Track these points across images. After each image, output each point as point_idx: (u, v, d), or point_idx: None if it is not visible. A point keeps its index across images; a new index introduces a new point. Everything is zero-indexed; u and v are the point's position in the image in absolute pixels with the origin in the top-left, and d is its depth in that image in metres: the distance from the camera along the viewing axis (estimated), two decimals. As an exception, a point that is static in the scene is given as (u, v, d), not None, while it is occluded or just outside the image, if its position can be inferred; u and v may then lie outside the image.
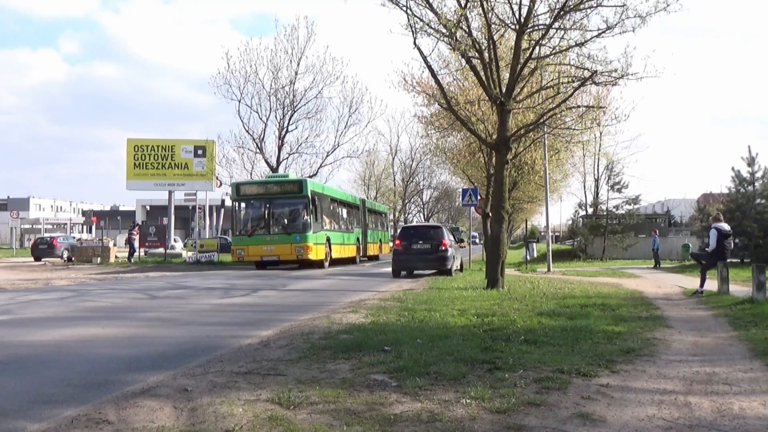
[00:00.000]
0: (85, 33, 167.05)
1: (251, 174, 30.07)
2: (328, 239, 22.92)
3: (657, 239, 27.10)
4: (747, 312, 8.41)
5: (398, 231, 20.41)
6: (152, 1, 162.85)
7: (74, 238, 38.83)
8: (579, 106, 14.22)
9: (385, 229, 36.87)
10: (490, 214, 14.12)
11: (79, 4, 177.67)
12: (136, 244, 28.18)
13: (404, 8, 11.53)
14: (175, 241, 33.71)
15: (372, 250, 31.02)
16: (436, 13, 11.43)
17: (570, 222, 42.55)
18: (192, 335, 6.83)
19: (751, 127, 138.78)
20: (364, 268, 24.14)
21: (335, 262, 24.29)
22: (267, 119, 30.58)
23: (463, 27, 11.52)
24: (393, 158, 51.85)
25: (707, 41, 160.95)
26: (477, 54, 11.94)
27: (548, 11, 11.77)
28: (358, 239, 27.93)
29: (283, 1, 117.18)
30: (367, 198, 53.98)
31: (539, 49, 12.09)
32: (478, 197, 21.48)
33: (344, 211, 27.52)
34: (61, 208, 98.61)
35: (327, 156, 32.10)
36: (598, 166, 34.69)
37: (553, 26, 11.68)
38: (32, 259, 31.98)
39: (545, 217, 27.95)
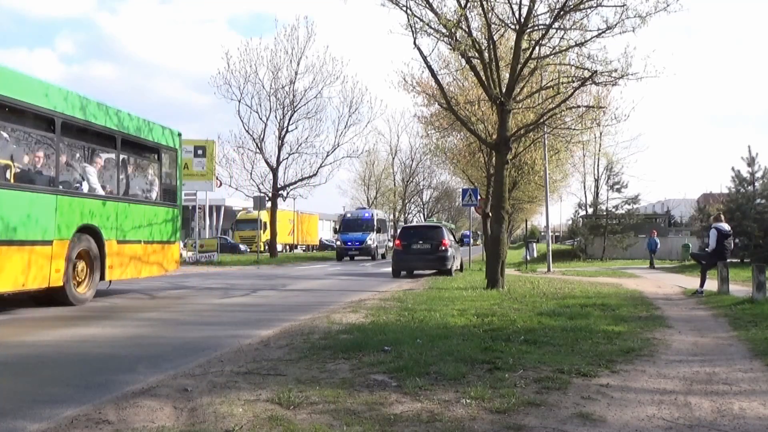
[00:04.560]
0: (81, 33, 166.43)
1: (251, 174, 29.77)
2: None
3: (651, 239, 27.18)
4: (747, 312, 8.42)
5: (398, 231, 19.93)
6: (149, 1, 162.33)
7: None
8: (579, 106, 14.24)
9: (168, 200, 12.20)
10: (490, 214, 14.13)
11: (75, 4, 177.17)
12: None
13: (404, 8, 11.55)
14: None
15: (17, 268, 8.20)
16: (436, 13, 11.43)
17: (570, 222, 42.60)
18: (192, 335, 6.84)
19: (751, 127, 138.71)
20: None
21: None
22: (267, 119, 30.60)
23: (463, 27, 11.52)
24: (393, 158, 51.87)
25: (707, 41, 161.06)
26: (477, 54, 11.94)
27: (548, 11, 11.80)
28: None
29: (282, 1, 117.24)
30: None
31: (539, 49, 12.10)
32: (478, 197, 21.50)
33: None
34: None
35: (327, 156, 32.11)
36: (598, 166, 34.76)
37: (553, 26, 11.69)
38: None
39: (545, 217, 28.00)
